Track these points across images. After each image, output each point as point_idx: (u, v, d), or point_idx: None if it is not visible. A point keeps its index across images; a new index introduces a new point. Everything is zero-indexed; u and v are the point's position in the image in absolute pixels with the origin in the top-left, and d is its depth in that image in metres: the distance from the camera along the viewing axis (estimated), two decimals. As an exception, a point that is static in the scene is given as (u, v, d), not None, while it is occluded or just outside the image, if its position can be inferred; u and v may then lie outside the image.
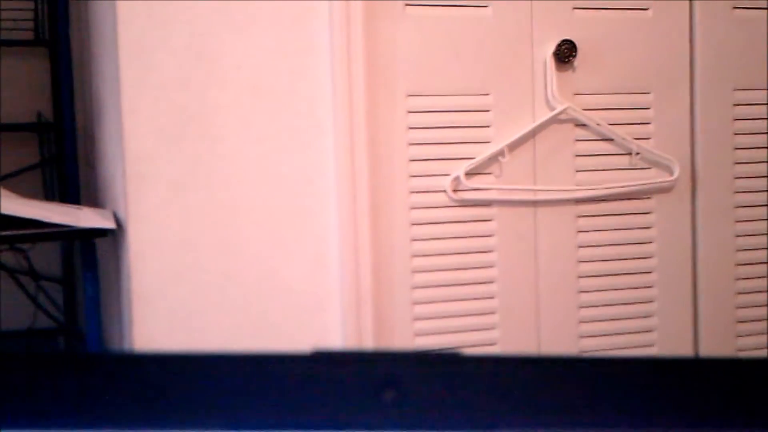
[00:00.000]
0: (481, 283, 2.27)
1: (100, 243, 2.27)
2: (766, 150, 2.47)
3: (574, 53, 2.27)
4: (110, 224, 2.11)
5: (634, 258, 2.38)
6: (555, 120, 2.29)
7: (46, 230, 2.10)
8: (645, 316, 2.39)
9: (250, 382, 0.40)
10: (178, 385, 0.41)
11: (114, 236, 2.18)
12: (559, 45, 2.26)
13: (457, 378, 0.41)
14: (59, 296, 2.84)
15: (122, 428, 0.41)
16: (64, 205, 2.51)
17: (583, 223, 2.34)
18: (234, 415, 0.40)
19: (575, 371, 0.44)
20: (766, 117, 2.47)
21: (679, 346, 2.42)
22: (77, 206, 2.50)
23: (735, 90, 2.44)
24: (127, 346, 2.12)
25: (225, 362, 0.41)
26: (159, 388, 0.41)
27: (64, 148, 2.75)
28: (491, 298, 2.27)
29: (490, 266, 2.27)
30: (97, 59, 2.48)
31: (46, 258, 2.80)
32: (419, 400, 0.41)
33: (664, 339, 2.41)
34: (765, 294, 2.49)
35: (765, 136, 2.47)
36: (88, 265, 2.24)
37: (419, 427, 0.41)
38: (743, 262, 2.47)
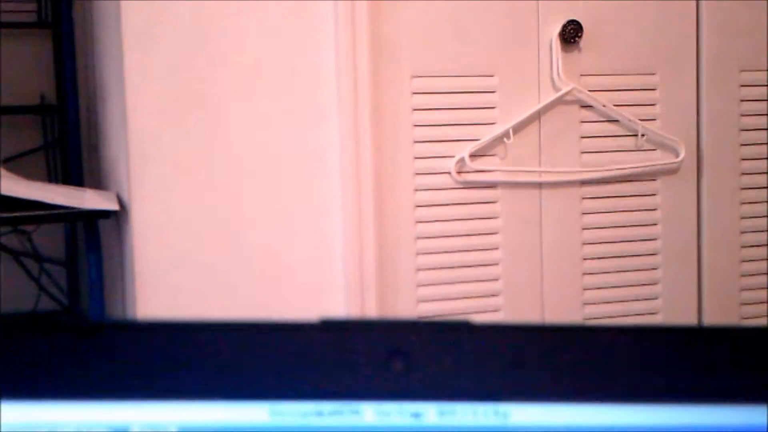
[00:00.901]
0: (485, 265, 2.26)
1: (104, 225, 2.27)
2: (772, 132, 2.46)
3: (579, 34, 2.26)
4: (113, 206, 2.10)
5: (639, 240, 2.37)
6: (560, 101, 2.28)
7: (49, 212, 2.10)
8: (650, 299, 2.38)
9: (257, 351, 0.40)
10: (182, 353, 0.40)
11: (117, 218, 2.18)
12: (565, 25, 2.25)
13: (467, 346, 0.41)
14: (62, 278, 2.84)
15: (125, 398, 0.40)
16: (67, 187, 2.51)
17: (588, 204, 2.33)
18: (240, 383, 0.40)
19: (587, 340, 0.43)
20: (772, 98, 2.45)
21: (684, 329, 2.42)
22: (81, 188, 2.49)
23: (741, 71, 2.42)
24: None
25: (231, 330, 0.40)
26: (163, 357, 0.40)
27: (68, 131, 2.74)
28: (496, 280, 2.27)
29: (495, 248, 2.26)
30: (100, 41, 2.47)
31: (50, 240, 2.80)
32: (428, 368, 0.40)
33: (668, 321, 2.40)
34: (770, 276, 2.48)
35: (771, 117, 2.45)
36: (92, 247, 2.24)
37: (428, 396, 0.40)
38: (748, 245, 2.46)
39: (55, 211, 2.10)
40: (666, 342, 0.44)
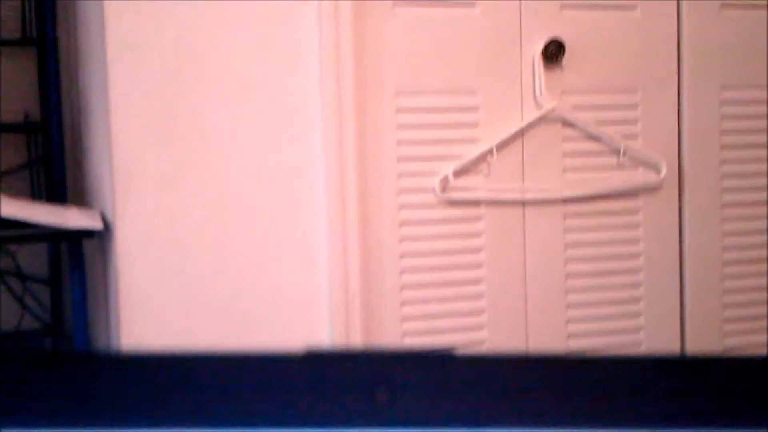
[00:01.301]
0: (469, 283, 2.27)
1: (88, 244, 2.26)
2: (753, 149, 2.48)
3: (562, 52, 2.28)
4: (98, 225, 2.10)
5: (621, 258, 2.38)
6: (543, 119, 2.29)
7: (33, 231, 2.09)
8: (633, 316, 2.40)
9: (243, 382, 0.40)
10: (169, 384, 0.40)
11: (101, 237, 2.18)
12: (547, 44, 2.27)
13: (449, 377, 0.41)
14: (46, 297, 2.82)
15: (112, 428, 0.41)
16: (51, 205, 2.50)
17: (571, 222, 2.34)
18: (227, 414, 0.40)
19: (567, 369, 0.44)
20: (753, 116, 2.48)
21: (666, 346, 2.43)
22: (65, 207, 2.49)
23: (722, 89, 2.45)
24: (114, 347, 2.11)
25: (217, 361, 0.40)
26: (150, 388, 0.40)
27: (52, 149, 2.73)
28: (480, 298, 2.27)
29: (479, 266, 2.27)
30: (84, 58, 2.47)
31: (33, 258, 2.79)
32: (412, 398, 0.41)
33: (651, 339, 2.41)
34: (752, 294, 2.50)
35: (752, 135, 2.48)
36: (76, 265, 2.24)
37: (412, 425, 0.41)
38: (730, 262, 2.47)
39: (39, 230, 2.10)
40: (651, 370, 0.44)
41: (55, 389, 0.41)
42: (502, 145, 2.26)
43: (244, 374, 0.40)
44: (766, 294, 2.51)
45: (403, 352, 0.42)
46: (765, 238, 2.50)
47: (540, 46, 2.27)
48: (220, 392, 0.40)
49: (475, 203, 2.26)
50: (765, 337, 2.52)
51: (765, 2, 2.48)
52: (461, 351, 0.41)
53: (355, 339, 2.14)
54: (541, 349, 2.31)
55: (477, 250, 2.27)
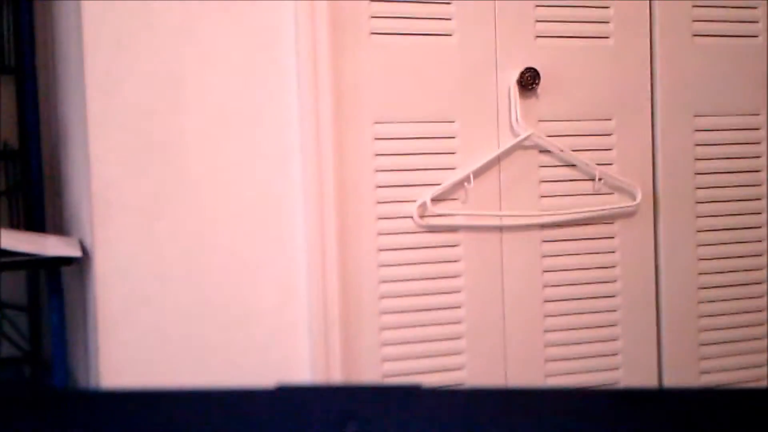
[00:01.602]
0: (448, 308, 2.28)
1: (66, 271, 2.26)
2: (726, 175, 2.52)
3: (537, 80, 2.31)
4: (76, 252, 2.10)
5: (598, 282, 2.41)
6: (519, 146, 2.32)
7: (11, 259, 2.09)
8: (609, 340, 2.42)
9: (216, 418, 0.41)
10: (143, 421, 0.41)
11: (80, 264, 2.18)
12: (523, 72, 2.30)
13: (417, 411, 0.42)
14: (24, 324, 2.82)
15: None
16: (29, 233, 2.50)
17: (548, 247, 2.36)
18: (200, 449, 0.41)
19: (536, 402, 0.45)
20: (726, 143, 2.52)
21: (642, 370, 2.45)
22: (43, 234, 2.49)
23: (695, 116, 2.48)
24: (93, 375, 2.11)
25: (190, 398, 0.42)
26: (125, 426, 0.41)
27: (30, 177, 2.74)
28: (458, 323, 2.29)
29: (457, 291, 2.29)
30: (63, 87, 2.48)
31: (11, 286, 2.78)
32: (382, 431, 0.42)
33: (628, 363, 2.43)
34: (727, 317, 2.53)
35: (725, 161, 2.52)
36: (54, 293, 2.23)
37: (381, 458, 0.42)
38: (705, 286, 2.50)
39: (18, 258, 2.10)
40: (615, 405, 0.45)
41: (28, 427, 0.42)
42: (480, 172, 2.29)
43: (217, 410, 0.41)
44: (739, 317, 2.54)
45: (373, 387, 0.44)
46: (739, 262, 2.53)
47: (516, 75, 2.30)
48: (191, 429, 0.41)
49: (453, 229, 2.28)
50: (739, 358, 2.54)
51: (736, 31, 2.53)
52: (428, 385, 0.42)
53: (335, 365, 2.15)
54: (519, 373, 2.33)
55: (455, 275, 2.29)
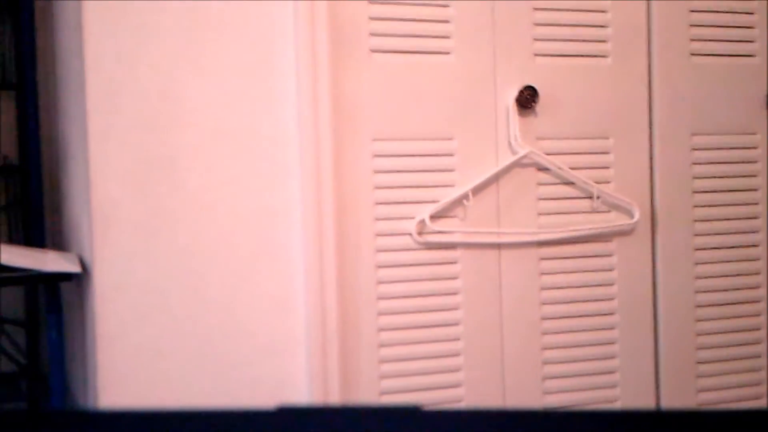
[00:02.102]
0: (446, 325, 2.29)
1: (65, 287, 2.27)
2: (723, 193, 2.53)
3: (535, 99, 2.32)
4: (75, 268, 2.11)
5: (596, 300, 2.41)
6: (518, 164, 2.33)
7: (10, 274, 2.09)
8: (607, 358, 2.42)
9: (218, 438, 0.42)
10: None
11: (79, 280, 2.18)
12: (521, 91, 2.31)
13: (415, 432, 0.43)
14: (22, 339, 2.81)
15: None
16: (29, 248, 2.50)
17: (546, 265, 2.37)
18: (202, 469, 0.42)
19: (531, 424, 0.45)
20: (723, 161, 2.53)
21: (640, 388, 2.45)
22: (42, 250, 2.49)
23: (693, 135, 2.50)
24: (91, 391, 2.11)
25: (189, 419, 0.42)
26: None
27: (30, 192, 2.74)
28: (456, 340, 2.29)
29: (455, 308, 2.29)
30: (64, 103, 2.49)
31: (10, 301, 2.78)
32: (380, 453, 0.43)
33: (626, 381, 2.43)
34: (724, 335, 2.53)
35: (723, 179, 2.53)
36: (53, 308, 2.24)
37: (380, 479, 0.43)
38: (703, 304, 2.51)
39: (17, 273, 2.10)
40: (623, 426, 0.46)
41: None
42: (478, 189, 2.30)
43: (217, 431, 0.42)
44: (737, 335, 2.55)
45: (373, 408, 0.44)
46: (736, 280, 2.54)
47: (514, 93, 2.31)
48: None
49: (452, 246, 2.29)
50: (736, 376, 2.54)
51: (733, 51, 2.54)
52: (427, 407, 0.43)
53: (333, 381, 2.15)
54: (516, 391, 2.33)
55: (454, 292, 2.29)
